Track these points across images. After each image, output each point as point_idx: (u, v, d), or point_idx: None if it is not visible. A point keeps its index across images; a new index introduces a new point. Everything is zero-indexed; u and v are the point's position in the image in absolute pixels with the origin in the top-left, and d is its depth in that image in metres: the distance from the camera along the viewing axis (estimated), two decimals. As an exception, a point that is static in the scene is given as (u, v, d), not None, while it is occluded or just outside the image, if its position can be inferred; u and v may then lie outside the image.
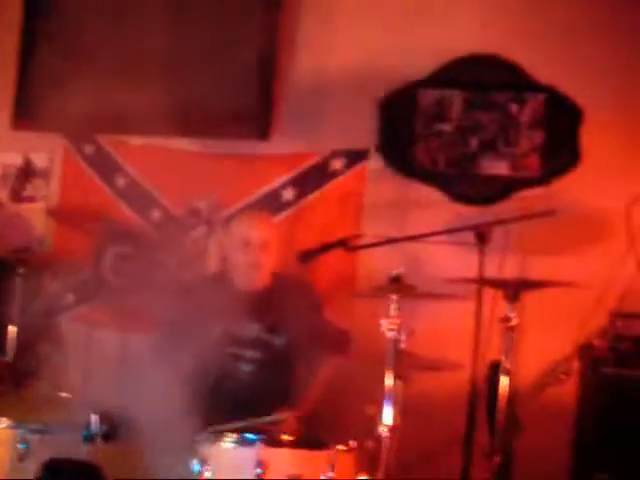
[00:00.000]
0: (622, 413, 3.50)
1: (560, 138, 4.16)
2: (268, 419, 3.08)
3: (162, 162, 4.51)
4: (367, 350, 3.65)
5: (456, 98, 4.28)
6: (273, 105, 4.43)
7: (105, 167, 4.60)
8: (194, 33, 4.49)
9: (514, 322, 3.42)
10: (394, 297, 2.62)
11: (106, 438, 2.75)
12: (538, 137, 4.18)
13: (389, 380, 2.73)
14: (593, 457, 3.59)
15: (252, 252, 3.56)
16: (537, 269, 3.99)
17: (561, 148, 4.15)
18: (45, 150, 4.78)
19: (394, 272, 2.72)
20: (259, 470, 2.54)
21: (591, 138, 4.10)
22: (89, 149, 4.65)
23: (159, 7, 4.48)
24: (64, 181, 4.72)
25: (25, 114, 4.76)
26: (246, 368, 3.53)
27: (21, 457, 2.75)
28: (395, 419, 2.79)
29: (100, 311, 4.52)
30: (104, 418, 2.78)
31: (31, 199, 4.78)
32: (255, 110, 4.43)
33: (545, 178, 4.15)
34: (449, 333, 3.81)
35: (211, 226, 4.44)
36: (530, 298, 3.69)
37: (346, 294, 4.05)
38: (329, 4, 4.45)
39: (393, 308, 2.63)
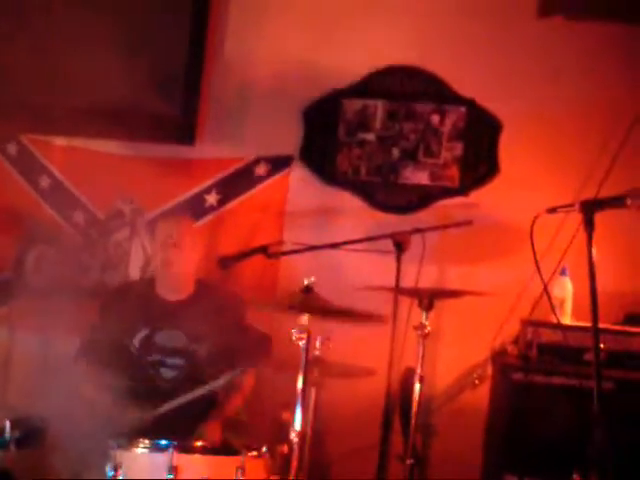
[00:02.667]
0: (530, 417, 3.61)
1: (479, 150, 4.26)
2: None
3: (86, 164, 4.49)
4: (285, 356, 3.72)
5: (379, 108, 4.35)
6: (199, 110, 4.45)
7: (28, 167, 4.57)
8: (121, 35, 4.44)
9: (428, 330, 3.53)
10: (304, 308, 2.67)
11: (19, 444, 2.75)
12: (458, 148, 4.28)
13: (300, 387, 2.78)
14: (503, 459, 3.68)
15: (166, 250, 3.56)
16: (453, 278, 4.12)
17: (480, 160, 4.26)
18: (-34, 149, 4.72)
19: (305, 282, 2.77)
20: (170, 475, 2.58)
21: (509, 151, 4.21)
22: (12, 148, 4.60)
23: (86, 8, 4.44)
24: (-14, 180, 4.68)
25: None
26: (168, 374, 3.53)
27: None
28: (306, 425, 2.84)
29: (21, 313, 4.48)
30: (17, 424, 2.78)
31: (-49, 199, 4.71)
32: (180, 114, 4.44)
33: (464, 189, 4.26)
34: (365, 340, 3.87)
35: (134, 229, 4.44)
36: (446, 306, 3.82)
37: (267, 300, 4.10)
38: (256, 11, 4.47)
39: (304, 318, 2.68)
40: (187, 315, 3.55)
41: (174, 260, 3.54)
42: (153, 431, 3.04)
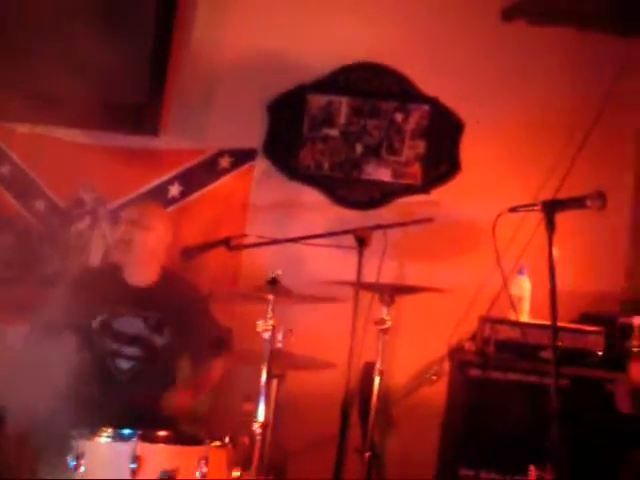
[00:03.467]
0: (486, 413, 3.67)
1: (441, 149, 4.33)
2: None
3: (48, 152, 4.43)
4: (247, 348, 3.74)
5: (344, 104, 4.38)
6: (163, 100, 4.42)
7: (-11, 154, 4.51)
8: (87, 21, 4.41)
9: (388, 325, 3.57)
10: (271, 299, 2.69)
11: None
12: (421, 146, 4.33)
13: (264, 378, 2.80)
14: (459, 453, 3.74)
15: (131, 230, 3.56)
16: (413, 274, 4.17)
17: (442, 158, 4.32)
18: None
19: (271, 274, 2.79)
20: (134, 465, 2.58)
21: (470, 150, 4.29)
22: (-28, 134, 4.54)
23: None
24: (-56, 165, 4.60)
25: None
26: (124, 365, 3.50)
27: None
28: (268, 416, 2.86)
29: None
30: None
31: None
32: (145, 104, 4.40)
33: (425, 186, 4.31)
34: (326, 334, 3.90)
35: (95, 218, 4.41)
36: (406, 302, 3.85)
37: (229, 292, 4.11)
38: (225, 1, 4.48)
39: (270, 309, 2.70)
40: (148, 302, 3.53)
41: (134, 241, 3.53)
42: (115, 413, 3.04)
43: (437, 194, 4.30)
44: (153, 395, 3.42)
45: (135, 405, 3.25)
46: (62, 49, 4.19)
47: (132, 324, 3.52)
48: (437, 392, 4.09)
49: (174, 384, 3.60)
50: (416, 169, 4.32)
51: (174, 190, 4.35)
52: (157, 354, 3.53)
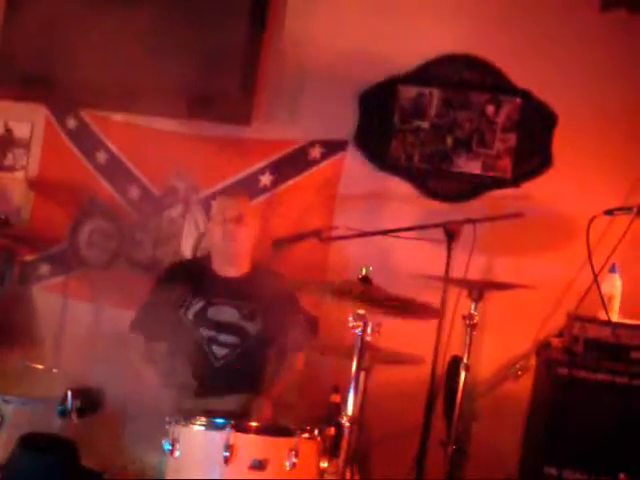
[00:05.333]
0: (571, 412, 3.63)
1: (533, 142, 4.24)
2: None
3: (143, 140, 4.57)
4: (333, 340, 3.78)
5: (435, 96, 4.36)
6: (256, 91, 4.48)
7: (86, 142, 4.66)
8: (181, 14, 4.51)
9: (476, 320, 3.56)
10: (362, 297, 2.71)
11: (80, 413, 2.83)
12: (512, 139, 4.27)
13: (354, 371, 2.83)
14: (543, 451, 3.70)
15: (228, 225, 3.62)
16: (502, 269, 4.14)
17: (533, 152, 4.24)
18: (27, 120, 4.81)
19: (363, 271, 2.81)
20: (226, 453, 2.65)
21: (563, 144, 4.19)
22: (71, 122, 4.69)
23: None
24: (45, 153, 4.77)
25: (8, 83, 4.78)
26: (220, 351, 3.59)
27: (-5, 427, 2.84)
28: (357, 409, 2.89)
29: (74, 283, 4.59)
30: (78, 393, 2.86)
31: (11, 168, 4.82)
32: (238, 94, 4.46)
33: (516, 180, 4.25)
34: (413, 328, 3.91)
35: (188, 206, 4.51)
36: (493, 297, 3.83)
37: (319, 286, 4.13)
38: (315, -7, 4.51)
39: (361, 307, 2.73)
40: (241, 292, 3.62)
41: (236, 235, 3.61)
42: (204, 404, 3.13)
43: (528, 188, 4.22)
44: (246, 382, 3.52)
45: (229, 391, 3.35)
46: (157, 40, 4.28)
47: (226, 313, 3.61)
48: (522, 388, 4.06)
49: (265, 372, 3.67)
50: (507, 162, 4.27)
51: (265, 179, 4.41)
52: (250, 341, 3.61)
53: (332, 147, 4.37)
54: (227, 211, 3.66)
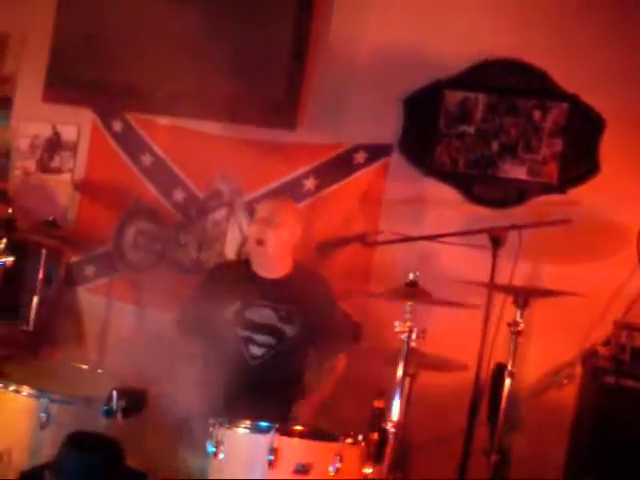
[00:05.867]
0: (618, 422, 3.57)
1: (580, 147, 4.19)
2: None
3: (188, 143, 4.60)
4: (377, 344, 3.77)
5: (480, 100, 4.32)
6: (301, 96, 4.50)
7: (132, 144, 4.70)
8: (227, 17, 4.54)
9: (521, 327, 3.52)
10: (409, 302, 2.70)
11: (125, 414, 2.85)
12: (558, 145, 4.22)
13: (399, 377, 2.81)
14: (587, 462, 3.65)
15: (259, 226, 3.63)
16: (548, 276, 4.08)
17: (581, 157, 4.18)
18: (74, 123, 4.87)
19: (410, 276, 2.79)
20: (271, 457, 2.65)
21: (611, 149, 4.12)
22: (117, 125, 4.74)
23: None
24: (91, 155, 4.83)
25: (56, 86, 4.86)
26: (257, 351, 3.60)
27: (42, 425, 2.87)
28: (401, 415, 2.88)
29: (119, 285, 4.63)
30: (123, 393, 2.88)
31: (58, 171, 4.89)
32: (283, 99, 4.49)
33: (562, 186, 4.20)
34: (458, 334, 3.88)
35: (232, 209, 4.53)
36: (539, 304, 3.78)
37: (365, 292, 4.14)
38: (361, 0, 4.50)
39: (407, 311, 2.72)
40: (280, 294, 3.62)
41: (267, 240, 3.59)
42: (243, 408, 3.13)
43: (575, 194, 4.17)
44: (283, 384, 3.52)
45: (263, 392, 3.34)
46: (202, 44, 4.30)
47: (264, 314, 3.61)
48: (567, 396, 4.02)
49: (302, 375, 3.67)
50: (553, 168, 4.22)
51: (309, 184, 4.41)
52: (287, 343, 3.61)
53: (376, 152, 4.35)
54: (260, 213, 3.67)
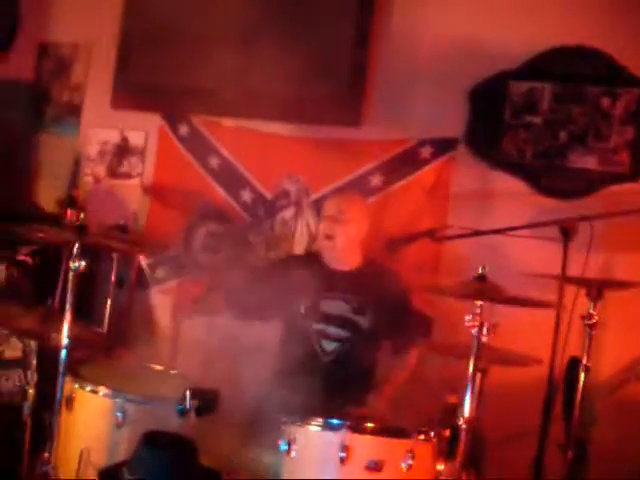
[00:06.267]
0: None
1: (653, 134, 4.11)
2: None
3: (254, 144, 4.63)
4: (447, 339, 3.74)
5: (547, 90, 4.26)
6: (365, 92, 4.49)
7: (199, 147, 4.75)
8: (288, 16, 4.56)
9: (595, 320, 3.45)
10: (479, 298, 2.67)
11: (198, 413, 2.89)
12: (629, 132, 4.13)
13: (470, 372, 2.78)
14: (668, 456, 3.58)
15: (326, 222, 3.66)
16: (622, 267, 4.00)
17: (653, 145, 4.10)
18: (141, 128, 4.96)
19: (479, 271, 2.76)
20: (343, 454, 2.66)
21: (684, 136, 4.04)
22: (183, 129, 4.80)
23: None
24: (159, 159, 4.90)
25: (123, 93, 4.95)
26: (329, 346, 3.61)
27: (119, 425, 2.93)
28: (473, 411, 2.85)
29: (189, 286, 4.69)
30: (196, 393, 2.92)
31: (127, 176, 4.97)
32: (347, 96, 4.49)
33: (634, 175, 4.11)
34: (530, 328, 3.82)
35: (299, 208, 4.54)
36: (613, 295, 3.71)
37: (436, 287, 4.11)
38: (422, -7, 4.47)
39: (477, 306, 2.68)
40: (352, 286, 3.63)
41: (336, 235, 3.62)
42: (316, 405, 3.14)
43: (648, 183, 4.08)
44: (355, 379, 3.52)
45: (337, 387, 3.34)
46: (266, 45, 4.33)
47: (337, 306, 3.63)
48: (644, 391, 3.93)
49: (375, 370, 3.67)
50: (625, 156, 4.13)
51: (375, 180, 4.40)
52: (361, 335, 3.61)
53: (442, 146, 4.32)
54: (328, 210, 3.70)
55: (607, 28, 4.13)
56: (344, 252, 3.69)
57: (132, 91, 4.93)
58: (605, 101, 4.17)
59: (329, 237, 3.63)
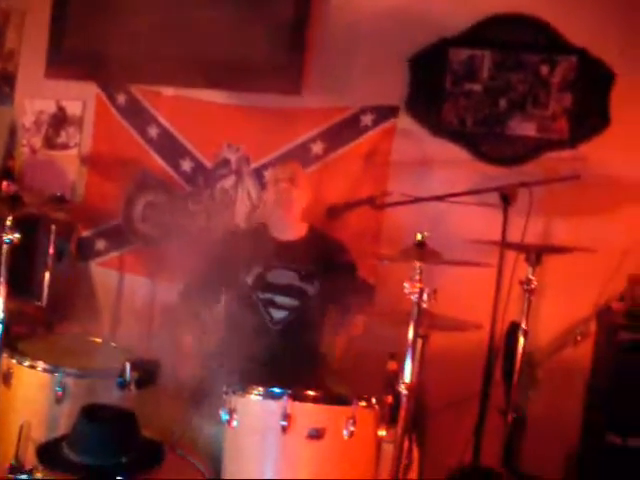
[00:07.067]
0: (634, 378, 3.56)
1: (590, 102, 4.14)
2: None
3: (194, 113, 4.57)
4: (389, 307, 3.75)
5: (486, 58, 4.27)
6: (305, 60, 4.45)
7: (137, 117, 4.67)
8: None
9: (534, 285, 3.49)
10: (418, 263, 2.67)
11: (139, 385, 2.86)
12: (567, 100, 4.17)
13: (411, 338, 2.79)
14: (605, 419, 3.65)
15: (280, 184, 3.67)
16: (560, 232, 4.06)
17: (590, 112, 4.14)
18: (78, 98, 4.84)
19: (419, 236, 2.76)
20: (284, 422, 2.65)
21: (621, 103, 4.07)
22: (121, 98, 4.71)
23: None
24: (97, 129, 4.79)
25: (58, 62, 4.83)
26: (277, 314, 3.63)
27: (58, 399, 2.90)
28: (414, 377, 2.86)
29: (130, 258, 4.64)
30: (136, 365, 2.89)
31: (64, 146, 4.86)
32: (287, 64, 4.45)
33: (572, 141, 4.16)
34: (470, 294, 3.86)
35: (240, 177, 4.51)
36: (551, 261, 3.76)
37: (375, 254, 4.13)
38: (363, -41, 4.44)
39: (417, 272, 2.69)
40: (299, 255, 3.64)
41: (289, 194, 3.65)
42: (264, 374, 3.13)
43: (585, 149, 4.13)
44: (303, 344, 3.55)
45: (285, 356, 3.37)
46: (204, 12, 4.26)
47: (285, 275, 3.64)
48: (582, 354, 4.00)
49: (322, 337, 3.70)
50: (563, 123, 4.17)
51: (317, 148, 4.38)
52: (309, 303, 3.63)
53: (383, 113, 4.31)
54: (279, 173, 3.72)
55: (547, -3, 4.15)
56: (292, 219, 3.70)
57: (68, 59, 4.80)
58: (544, 69, 4.21)
59: (286, 198, 3.65)
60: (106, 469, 2.56)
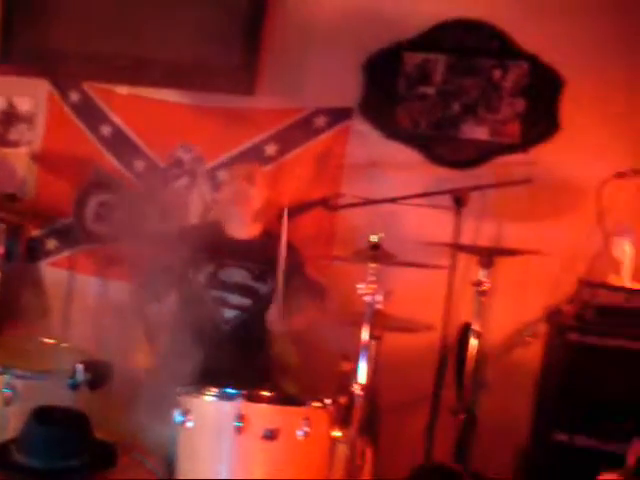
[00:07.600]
0: (582, 378, 3.62)
1: (541, 107, 4.20)
2: None
3: (147, 112, 4.52)
4: (342, 308, 3.77)
5: (440, 62, 4.31)
6: (259, 61, 4.43)
7: (90, 115, 4.61)
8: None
9: (486, 287, 3.54)
10: (373, 264, 2.69)
11: (91, 386, 2.84)
12: (519, 104, 4.23)
13: (364, 339, 2.81)
14: (554, 418, 3.70)
15: (238, 182, 3.68)
16: (512, 235, 4.10)
17: (541, 117, 4.19)
18: (29, 95, 4.77)
19: (373, 238, 2.78)
20: (239, 423, 2.65)
21: (571, 109, 4.13)
22: (74, 96, 4.65)
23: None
24: (48, 127, 4.71)
25: (9, 59, 4.74)
26: (229, 314, 3.62)
27: (7, 401, 2.85)
28: (368, 377, 2.89)
29: (82, 258, 4.58)
30: (88, 366, 2.86)
31: (15, 143, 4.78)
32: (241, 64, 4.43)
33: (524, 145, 4.21)
34: (422, 295, 3.90)
35: (193, 178, 4.49)
36: (503, 263, 3.81)
37: (329, 256, 4.15)
38: (319, -42, 4.44)
39: (371, 273, 2.71)
40: (252, 254, 3.64)
41: (247, 192, 3.66)
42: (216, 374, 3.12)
43: (536, 153, 4.18)
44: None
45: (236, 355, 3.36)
46: (159, 11, 4.24)
47: (237, 274, 3.64)
48: (533, 355, 4.06)
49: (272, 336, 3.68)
50: (515, 128, 4.23)
51: (270, 149, 4.37)
52: (261, 302, 3.61)
53: (337, 115, 4.32)
54: (237, 171, 3.74)
55: (500, 3, 4.21)
56: (247, 218, 3.70)
57: (20, 56, 4.72)
58: (496, 74, 4.26)
59: (243, 196, 3.65)
60: (57, 472, 2.53)
